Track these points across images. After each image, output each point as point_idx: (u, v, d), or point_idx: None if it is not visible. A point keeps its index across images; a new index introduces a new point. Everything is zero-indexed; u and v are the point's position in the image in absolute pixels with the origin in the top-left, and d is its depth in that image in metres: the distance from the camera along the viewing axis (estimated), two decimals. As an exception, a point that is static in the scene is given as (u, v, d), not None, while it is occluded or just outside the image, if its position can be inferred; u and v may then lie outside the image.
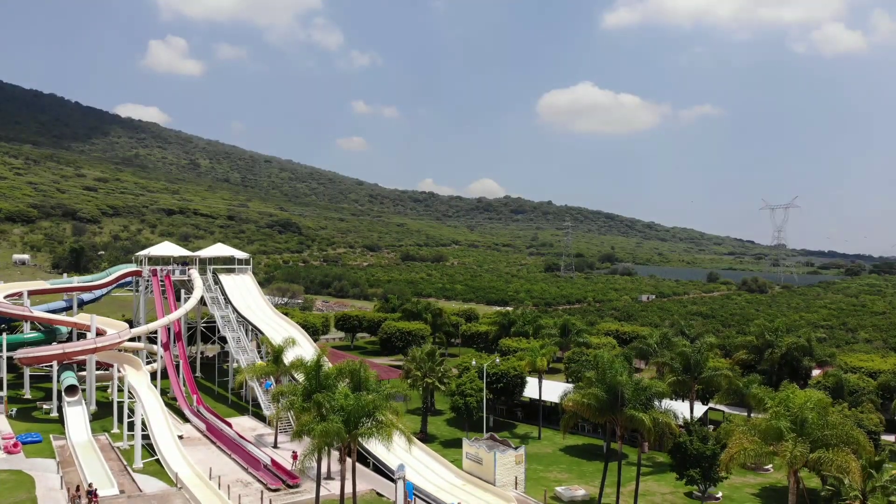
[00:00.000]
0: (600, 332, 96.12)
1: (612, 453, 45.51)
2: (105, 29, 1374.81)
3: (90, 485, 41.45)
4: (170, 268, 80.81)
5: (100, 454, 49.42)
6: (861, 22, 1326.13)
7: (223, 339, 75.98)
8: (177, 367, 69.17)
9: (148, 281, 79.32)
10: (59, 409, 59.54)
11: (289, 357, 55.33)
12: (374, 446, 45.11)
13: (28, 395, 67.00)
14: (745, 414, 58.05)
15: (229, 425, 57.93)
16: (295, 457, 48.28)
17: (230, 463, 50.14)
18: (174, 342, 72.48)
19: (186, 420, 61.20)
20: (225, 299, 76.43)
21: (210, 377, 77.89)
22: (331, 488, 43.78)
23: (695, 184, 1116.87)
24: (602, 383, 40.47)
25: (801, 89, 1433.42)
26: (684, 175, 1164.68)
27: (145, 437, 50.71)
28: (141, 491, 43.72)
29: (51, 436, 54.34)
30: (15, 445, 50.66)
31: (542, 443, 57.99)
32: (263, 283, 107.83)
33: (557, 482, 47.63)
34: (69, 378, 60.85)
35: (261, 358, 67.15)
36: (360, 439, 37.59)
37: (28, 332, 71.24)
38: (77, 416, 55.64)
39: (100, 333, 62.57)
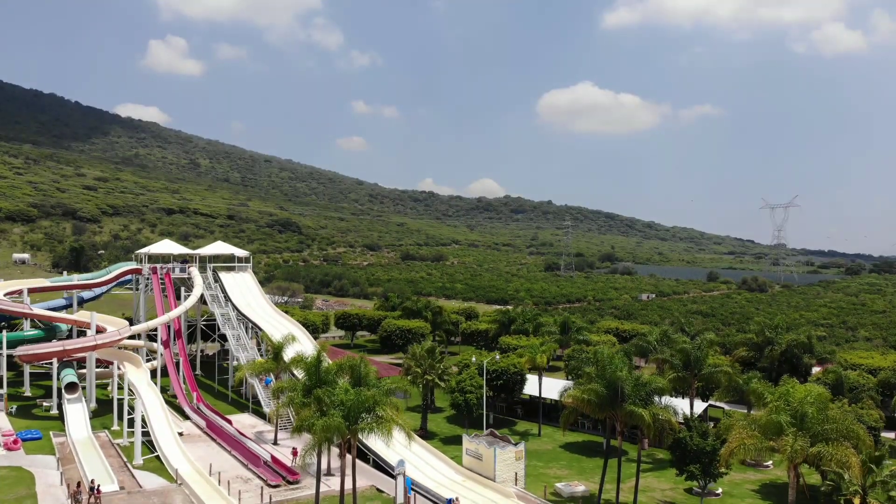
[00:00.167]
0: (600, 330, 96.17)
1: (611, 450, 45.50)
2: (105, 29, 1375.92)
3: (92, 481, 41.47)
4: (170, 266, 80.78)
5: (100, 451, 49.44)
6: (861, 22, 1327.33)
7: (223, 337, 75.99)
8: (177, 364, 69.18)
9: (148, 279, 79.31)
10: (60, 407, 59.55)
11: (289, 354, 55.45)
12: (374, 442, 45.17)
13: (28, 393, 67.00)
14: (745, 411, 58.02)
15: (229, 422, 57.97)
16: (295, 453, 48.32)
17: (230, 459, 50.16)
18: (174, 340, 72.45)
19: (186, 417, 61.19)
20: (225, 297, 76.45)
21: (210, 375, 77.91)
22: (331, 484, 43.78)
23: (695, 184, 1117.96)
24: (602, 379, 40.49)
25: (801, 89, 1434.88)
26: (684, 175, 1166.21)
27: (145, 434, 50.75)
28: (141, 487, 43.74)
29: (51, 433, 54.34)
30: (15, 442, 50.65)
31: (542, 439, 58.01)
32: (263, 283, 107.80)
33: (557, 478, 47.65)
34: (69, 375, 60.85)
35: (261, 355, 67.22)
36: (360, 435, 37.61)
37: (28, 330, 71.25)
38: (77, 413, 55.66)
39: (100, 331, 62.58)
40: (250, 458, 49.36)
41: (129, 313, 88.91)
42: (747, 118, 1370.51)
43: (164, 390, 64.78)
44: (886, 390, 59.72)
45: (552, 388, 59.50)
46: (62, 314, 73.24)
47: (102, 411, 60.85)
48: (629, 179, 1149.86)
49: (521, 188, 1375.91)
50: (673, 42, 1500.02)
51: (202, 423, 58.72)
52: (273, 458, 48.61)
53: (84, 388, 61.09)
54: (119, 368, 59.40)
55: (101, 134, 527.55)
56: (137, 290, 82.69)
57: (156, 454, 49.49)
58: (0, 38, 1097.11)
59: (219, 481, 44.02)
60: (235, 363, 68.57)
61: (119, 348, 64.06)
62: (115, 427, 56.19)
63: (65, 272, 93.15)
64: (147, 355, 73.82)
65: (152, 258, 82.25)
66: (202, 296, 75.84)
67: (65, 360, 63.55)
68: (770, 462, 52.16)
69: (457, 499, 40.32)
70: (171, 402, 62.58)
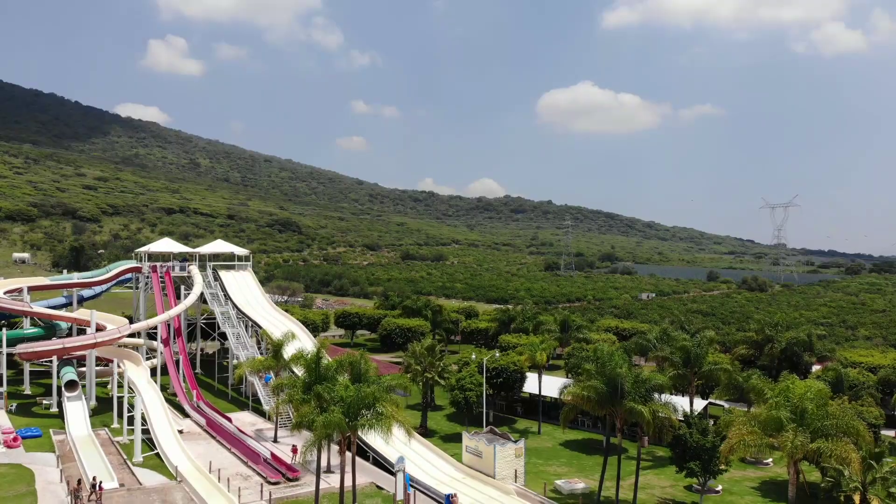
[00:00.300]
0: (600, 328, 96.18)
1: (611, 447, 45.50)
2: (105, 29, 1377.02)
3: (94, 478, 41.49)
4: (170, 264, 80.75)
5: (99, 448, 49.45)
6: (861, 22, 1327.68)
7: (223, 336, 75.93)
8: (177, 363, 69.16)
9: (148, 277, 79.27)
10: (59, 405, 59.53)
11: (288, 352, 55.38)
12: (374, 440, 45.21)
13: (28, 391, 66.99)
14: (745, 409, 58.02)
15: (229, 420, 57.97)
16: (295, 451, 48.32)
17: (230, 457, 50.17)
18: (174, 338, 72.45)
19: (186, 415, 61.20)
20: (225, 295, 76.39)
21: (210, 374, 77.88)
22: (331, 481, 43.75)
23: (695, 183, 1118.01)
24: (601, 375, 40.45)
25: (801, 89, 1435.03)
26: (684, 175, 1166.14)
27: (145, 431, 50.76)
28: (141, 484, 43.74)
29: (50, 430, 54.35)
30: (14, 440, 50.65)
31: (542, 437, 57.99)
32: (263, 282, 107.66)
33: (557, 476, 47.64)
34: (69, 373, 60.83)
35: (261, 353, 67.16)
36: (360, 432, 37.60)
37: (28, 328, 71.22)
38: (77, 410, 55.67)
39: (99, 329, 62.57)
40: (250, 455, 49.36)
41: (129, 312, 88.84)
42: (747, 118, 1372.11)
43: (164, 388, 64.71)
44: (886, 388, 59.72)
45: (552, 386, 59.49)
46: (62, 312, 73.18)
47: (102, 409, 60.83)
48: (629, 179, 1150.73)
49: (521, 188, 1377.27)
50: (673, 42, 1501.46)
51: (202, 421, 58.72)
52: (273, 455, 48.58)
53: (84, 386, 61.06)
54: (119, 366, 59.39)
55: (101, 134, 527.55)
56: (137, 288, 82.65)
57: (155, 452, 49.49)
58: (0, 38, 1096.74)
59: (218, 478, 44.01)
60: (235, 361, 68.55)
61: (119, 346, 64.14)
62: (115, 425, 56.18)
63: (65, 271, 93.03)
64: (147, 354, 73.79)
65: (152, 257, 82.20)
66: (202, 294, 75.79)
67: (65, 358, 63.56)
68: (770, 460, 52.17)
69: (455, 495, 40.30)
70: (171, 401, 62.56)
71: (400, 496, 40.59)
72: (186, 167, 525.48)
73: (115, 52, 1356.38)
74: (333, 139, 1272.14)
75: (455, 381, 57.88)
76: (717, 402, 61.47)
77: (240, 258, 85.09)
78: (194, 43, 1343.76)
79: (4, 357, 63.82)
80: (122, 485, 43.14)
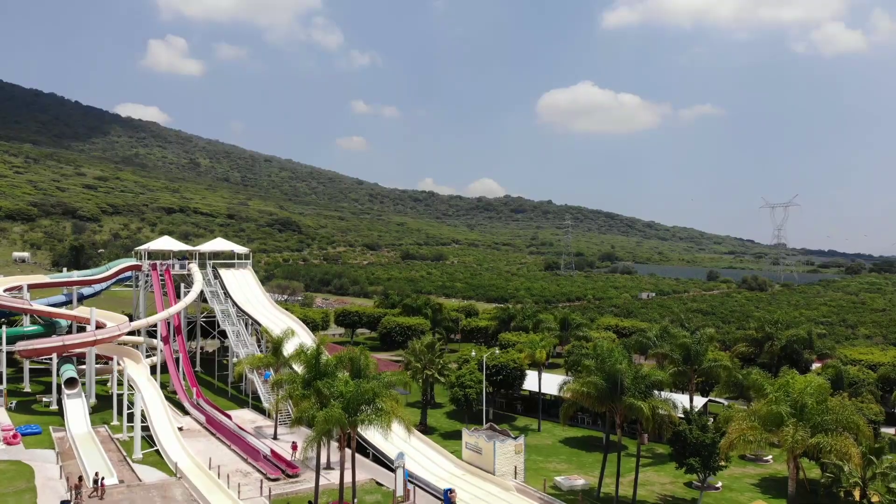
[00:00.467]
0: (600, 326, 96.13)
1: (611, 444, 45.51)
2: (105, 29, 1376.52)
3: (96, 474, 41.54)
4: (169, 262, 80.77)
5: (99, 445, 49.44)
6: (861, 22, 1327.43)
7: (223, 334, 75.93)
8: (176, 361, 69.15)
9: (148, 275, 79.28)
10: (59, 402, 59.49)
11: (288, 349, 55.32)
12: (373, 436, 45.19)
13: (28, 389, 66.93)
14: (745, 405, 57.99)
15: (229, 417, 57.97)
16: (294, 447, 48.35)
17: (230, 454, 50.19)
18: (174, 336, 72.45)
19: (186, 413, 61.20)
20: (224, 293, 76.39)
21: (210, 372, 77.87)
22: (330, 478, 43.76)
23: (695, 183, 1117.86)
24: (601, 371, 40.46)
25: (801, 89, 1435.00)
26: (684, 175, 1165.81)
27: (145, 428, 50.75)
28: (140, 480, 43.74)
29: (50, 427, 54.35)
30: (14, 437, 50.60)
31: (542, 434, 57.99)
32: (263, 281, 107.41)
33: (557, 472, 47.65)
34: (68, 371, 60.84)
35: (260, 351, 67.11)
36: (360, 427, 37.59)
37: (27, 326, 71.19)
38: (76, 408, 55.63)
39: (99, 326, 62.57)
40: (250, 452, 49.37)
41: (129, 311, 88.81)
42: (747, 118, 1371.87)
43: (163, 386, 64.65)
44: (886, 386, 59.72)
45: (552, 383, 59.48)
46: (62, 310, 73.18)
47: (102, 407, 60.78)
48: (629, 179, 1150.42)
49: (521, 188, 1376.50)
50: (673, 42, 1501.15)
51: (202, 419, 58.72)
52: (273, 452, 48.60)
53: (84, 383, 61.05)
54: (119, 364, 59.37)
55: (100, 133, 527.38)
56: (137, 287, 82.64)
57: (155, 449, 49.50)
58: (0, 38, 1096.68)
59: (218, 475, 44.01)
60: (235, 359, 68.54)
61: (119, 344, 64.13)
62: (115, 422, 56.14)
63: (64, 269, 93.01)
64: (147, 352, 73.76)
65: (152, 255, 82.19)
66: (202, 292, 75.82)
67: (64, 355, 63.55)
68: (770, 457, 52.18)
69: (453, 490, 40.31)
70: (171, 398, 62.55)
71: (400, 492, 40.63)
72: (186, 167, 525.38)
73: (115, 52, 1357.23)
74: (333, 139, 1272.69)
75: (455, 378, 57.86)
76: (717, 399, 61.49)
77: (240, 256, 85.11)
78: (194, 43, 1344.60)
79: (4, 355, 63.80)
80: (121, 481, 43.15)
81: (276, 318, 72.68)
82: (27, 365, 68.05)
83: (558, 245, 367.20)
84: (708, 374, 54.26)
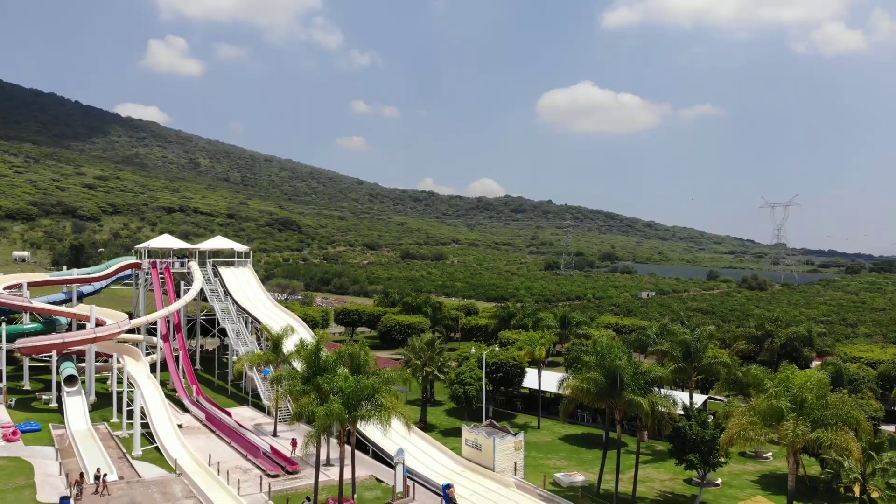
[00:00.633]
0: (600, 325, 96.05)
1: (611, 441, 45.49)
2: (105, 29, 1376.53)
3: (98, 470, 41.57)
4: (169, 260, 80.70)
5: (99, 442, 49.43)
6: (861, 22, 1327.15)
7: (223, 332, 75.90)
8: (176, 359, 69.12)
9: (147, 273, 79.23)
10: (59, 400, 59.48)
11: (288, 346, 55.32)
12: (373, 433, 45.22)
13: (27, 387, 66.89)
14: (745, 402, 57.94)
15: (229, 415, 57.92)
16: (294, 444, 48.37)
17: (229, 450, 50.15)
18: (174, 334, 72.42)
19: (186, 410, 61.17)
20: (224, 291, 76.37)
21: (209, 370, 77.81)
22: (330, 474, 43.75)
23: (695, 184, 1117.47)
24: (601, 367, 40.42)
25: (801, 89, 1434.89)
26: (684, 175, 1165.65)
27: (144, 425, 50.73)
28: (140, 477, 43.73)
29: (50, 425, 54.32)
30: (14, 434, 50.63)
31: (542, 432, 57.97)
32: (263, 280, 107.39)
33: (557, 469, 47.64)
34: (68, 368, 60.85)
35: (260, 349, 67.11)
36: (359, 423, 37.55)
37: (27, 323, 71.18)
38: (76, 405, 55.65)
39: (99, 324, 62.55)
40: (249, 448, 49.34)
41: (129, 309, 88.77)
42: (747, 118, 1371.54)
43: (163, 384, 64.66)
44: (886, 383, 59.69)
45: (551, 381, 59.29)
46: (61, 307, 73.17)
47: (102, 405, 60.78)
48: (629, 179, 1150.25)
49: (521, 188, 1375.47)
50: (673, 42, 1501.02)
51: (201, 416, 58.70)
52: (272, 448, 48.58)
53: (83, 381, 61.05)
54: (118, 362, 59.34)
55: (100, 133, 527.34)
56: (137, 285, 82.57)
57: (155, 445, 49.49)
58: (0, 37, 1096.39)
59: (218, 471, 44.00)
60: (235, 357, 68.51)
61: (119, 342, 64.10)
62: (115, 420, 56.14)
63: (64, 267, 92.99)
64: (147, 350, 73.74)
65: (152, 253, 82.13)
66: (202, 290, 75.79)
67: (64, 353, 63.53)
68: (770, 454, 52.18)
69: (452, 485, 40.30)
70: (171, 396, 62.49)
71: (399, 488, 40.62)
72: (186, 167, 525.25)
73: (115, 52, 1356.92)
74: (333, 139, 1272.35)
75: (455, 375, 57.84)
76: (717, 397, 61.44)
77: (240, 254, 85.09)
78: (194, 43, 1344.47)
79: (4, 352, 63.79)
80: (121, 477, 43.15)
81: (275, 316, 72.65)
82: (27, 362, 68.05)
83: (558, 245, 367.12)
84: (708, 371, 54.22)
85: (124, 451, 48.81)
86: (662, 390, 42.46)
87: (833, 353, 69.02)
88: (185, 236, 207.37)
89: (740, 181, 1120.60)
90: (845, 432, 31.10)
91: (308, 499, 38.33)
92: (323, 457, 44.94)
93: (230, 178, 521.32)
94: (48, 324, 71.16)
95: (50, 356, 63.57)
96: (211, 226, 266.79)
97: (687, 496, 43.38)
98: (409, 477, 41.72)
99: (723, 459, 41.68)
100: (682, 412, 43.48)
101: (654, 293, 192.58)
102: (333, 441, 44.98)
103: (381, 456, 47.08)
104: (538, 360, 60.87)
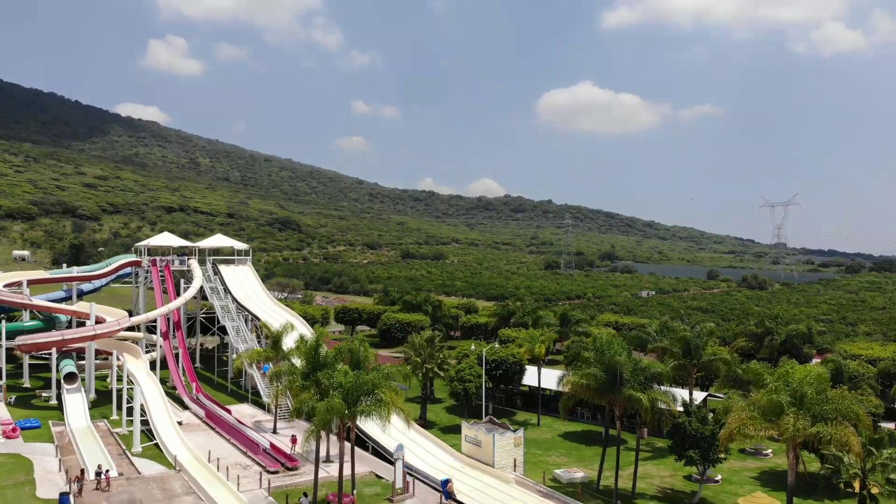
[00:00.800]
0: (599, 323, 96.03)
1: (610, 438, 45.49)
2: (105, 28, 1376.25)
3: (99, 466, 41.59)
4: (169, 258, 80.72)
5: (98, 439, 49.42)
6: (861, 22, 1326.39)
7: (223, 330, 75.88)
8: (176, 356, 69.11)
9: (147, 271, 79.24)
10: (59, 397, 59.48)
11: (287, 344, 55.32)
12: (372, 429, 45.24)
13: (27, 384, 66.89)
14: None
15: (228, 412, 57.90)
16: (294, 441, 48.37)
17: (229, 447, 50.14)
18: (173, 332, 72.42)
19: (186, 408, 61.19)
20: (224, 289, 76.38)
21: (209, 368, 77.87)
22: (330, 471, 43.70)
23: (695, 183, 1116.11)
24: (600, 363, 40.40)
25: (801, 89, 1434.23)
26: (684, 175, 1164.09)
27: (144, 422, 50.73)
28: (140, 473, 43.71)
29: (49, 422, 54.28)
30: (13, 430, 50.61)
31: (542, 429, 57.97)
32: (263, 279, 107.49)
33: (556, 465, 47.63)
34: (68, 366, 60.82)
35: (260, 347, 67.08)
36: (359, 418, 37.53)
37: (27, 321, 71.17)
38: (76, 402, 55.66)
39: (99, 321, 62.52)
40: (249, 445, 49.34)
41: (129, 308, 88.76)
42: (747, 118, 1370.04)
43: (163, 382, 64.60)
44: (886, 380, 59.69)
45: (551, 378, 59.28)
46: (61, 305, 73.15)
47: (101, 402, 60.77)
48: (629, 179, 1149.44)
49: (521, 188, 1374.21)
50: (673, 42, 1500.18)
51: (201, 413, 58.71)
52: (272, 445, 48.57)
53: (83, 378, 61.05)
54: (118, 359, 59.33)
55: (100, 133, 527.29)
56: (137, 283, 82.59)
57: (154, 442, 49.47)
58: (0, 37, 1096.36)
59: (217, 468, 43.99)
60: (235, 355, 68.50)
61: (118, 339, 64.08)
62: (115, 417, 56.12)
63: (64, 265, 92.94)
64: (147, 348, 73.75)
65: (152, 251, 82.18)
66: (201, 288, 75.80)
67: (64, 350, 63.49)
68: (769, 451, 52.19)
69: (450, 480, 40.30)
70: (171, 394, 62.49)
71: (399, 484, 40.60)
72: (186, 166, 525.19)
73: (115, 52, 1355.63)
74: (333, 139, 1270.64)
75: (454, 372, 57.83)
76: (717, 394, 61.43)
77: (239, 252, 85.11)
78: (194, 43, 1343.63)
79: (4, 350, 63.79)
80: (121, 474, 43.11)
81: (275, 314, 72.65)
82: (27, 360, 68.05)
83: (558, 244, 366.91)
84: (707, 367, 54.23)
85: (124, 447, 48.80)
86: (662, 387, 42.46)
87: (833, 351, 69.05)
88: (185, 235, 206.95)
89: (740, 181, 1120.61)
90: (845, 427, 31.06)
91: (305, 494, 38.33)
92: (322, 453, 44.94)
93: (230, 178, 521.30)
94: (48, 321, 71.16)
95: (50, 354, 63.60)
96: (211, 225, 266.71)
97: (687, 492, 43.35)
98: (408, 473, 41.71)
99: (722, 455, 41.69)
100: (681, 408, 43.49)
101: (654, 292, 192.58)
102: (333, 438, 44.97)
103: (380, 452, 47.07)
104: (538, 358, 60.88)
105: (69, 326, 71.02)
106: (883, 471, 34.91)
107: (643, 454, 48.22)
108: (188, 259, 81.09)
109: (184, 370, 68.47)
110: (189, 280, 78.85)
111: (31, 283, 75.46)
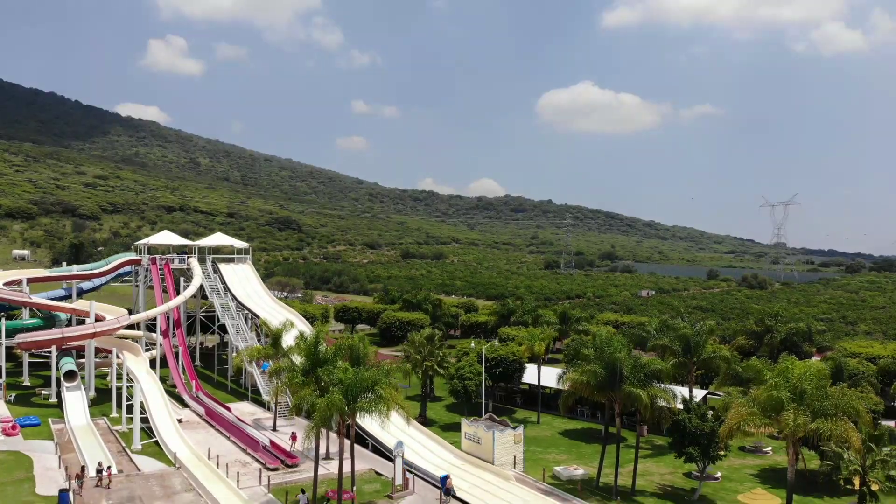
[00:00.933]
0: (599, 322, 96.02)
1: (610, 435, 45.49)
2: (105, 28, 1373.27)
3: (100, 463, 41.62)
4: (169, 257, 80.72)
5: (98, 437, 49.47)
6: (861, 22, 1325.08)
7: (223, 329, 75.85)
8: (176, 355, 69.12)
9: (147, 270, 79.24)
10: (58, 395, 59.50)
11: (287, 341, 55.25)
12: (372, 426, 45.22)
13: (27, 382, 66.91)
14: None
15: (228, 410, 57.96)
16: (294, 438, 48.38)
17: (229, 445, 50.19)
18: (173, 330, 72.42)
19: (185, 405, 61.21)
20: (224, 287, 76.37)
21: (209, 366, 77.88)
22: (330, 468, 43.70)
23: (695, 183, 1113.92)
24: (600, 360, 40.42)
25: (801, 89, 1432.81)
26: (684, 175, 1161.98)
27: (144, 420, 50.74)
28: (139, 470, 43.75)
29: (49, 419, 54.33)
30: (13, 428, 50.64)
31: (541, 427, 57.98)
32: (263, 279, 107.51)
33: (556, 463, 47.61)
34: (68, 364, 60.83)
35: (260, 345, 67.03)
36: (359, 415, 37.51)
37: (27, 319, 71.17)
38: (76, 400, 55.71)
39: (98, 319, 62.53)
40: (249, 442, 49.38)
41: (129, 306, 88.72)
42: (747, 118, 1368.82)
43: (163, 380, 64.63)
44: (886, 378, 59.66)
45: (551, 376, 59.30)
46: (61, 303, 73.16)
47: (101, 400, 60.78)
48: (629, 179, 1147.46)
49: (521, 187, 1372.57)
50: (673, 41, 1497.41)
51: (201, 411, 58.74)
52: (272, 442, 48.59)
53: (83, 376, 61.06)
54: (118, 357, 59.35)
55: (100, 133, 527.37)
56: (137, 282, 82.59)
57: (154, 440, 49.51)
58: (0, 37, 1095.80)
59: (217, 465, 44.03)
60: (234, 353, 68.48)
61: (118, 338, 64.08)
62: (114, 414, 56.14)
63: (64, 263, 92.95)
64: (146, 346, 73.73)
65: (151, 249, 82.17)
66: (201, 287, 75.79)
67: (64, 348, 63.51)
68: (769, 448, 52.18)
69: (449, 476, 40.30)
70: (171, 392, 62.56)
71: (399, 481, 40.61)
72: (186, 166, 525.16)
73: (115, 52, 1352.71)
74: (333, 139, 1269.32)
75: (454, 370, 57.83)
76: (717, 392, 61.40)
77: (239, 251, 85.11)
78: (194, 43, 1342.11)
79: (3, 348, 63.79)
80: (120, 471, 43.14)
81: (275, 312, 72.59)
82: (26, 358, 68.05)
83: (558, 244, 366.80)
84: (707, 365, 54.22)
85: (124, 445, 48.84)
86: (662, 385, 42.47)
87: (833, 349, 69.05)
88: (185, 235, 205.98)
89: (740, 181, 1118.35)
90: (845, 422, 31.09)
91: (303, 491, 38.33)
92: (322, 450, 44.91)
93: (230, 178, 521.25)
94: (48, 319, 71.22)
95: (49, 352, 63.64)
96: (211, 225, 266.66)
97: (686, 489, 43.35)
98: (408, 470, 41.72)
99: (722, 452, 41.71)
100: (681, 406, 43.49)
101: (654, 292, 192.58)
102: (333, 435, 44.96)
103: (380, 450, 47.09)
104: (538, 356, 60.90)
105: (69, 324, 71.06)
106: (883, 467, 34.96)
107: (643, 451, 48.23)
108: (188, 257, 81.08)
109: (184, 368, 68.49)
110: (189, 278, 78.83)
111: (30, 281, 75.49)
